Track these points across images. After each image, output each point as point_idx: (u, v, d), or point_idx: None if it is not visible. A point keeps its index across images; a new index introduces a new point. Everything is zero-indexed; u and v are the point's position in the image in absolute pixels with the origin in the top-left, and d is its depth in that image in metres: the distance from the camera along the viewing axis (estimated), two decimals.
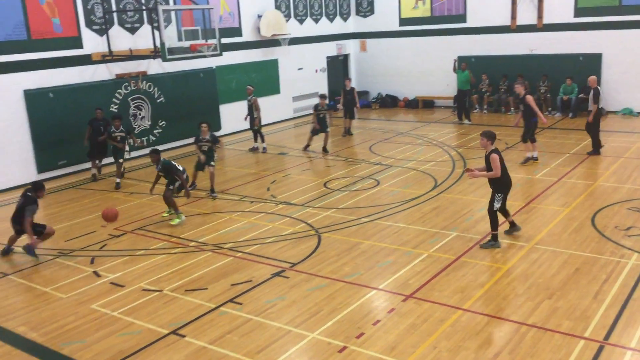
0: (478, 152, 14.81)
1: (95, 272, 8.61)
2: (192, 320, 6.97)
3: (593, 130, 13.93)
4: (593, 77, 14.04)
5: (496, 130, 17.43)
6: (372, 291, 7.54)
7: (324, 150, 15.94)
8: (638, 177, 11.91)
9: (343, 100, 17.98)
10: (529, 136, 13.44)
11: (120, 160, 13.62)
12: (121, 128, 13.70)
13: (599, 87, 13.81)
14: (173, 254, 9.17)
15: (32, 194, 9.27)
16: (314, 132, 16.13)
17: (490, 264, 8.17)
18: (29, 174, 14.15)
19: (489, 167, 8.63)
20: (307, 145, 16.35)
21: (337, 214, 10.67)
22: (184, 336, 6.62)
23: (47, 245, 9.69)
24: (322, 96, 16.32)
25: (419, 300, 7.19)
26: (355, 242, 9.24)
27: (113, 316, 7.20)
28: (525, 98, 13.22)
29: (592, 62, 19.35)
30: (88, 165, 14.57)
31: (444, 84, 22.22)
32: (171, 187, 10.73)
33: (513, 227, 9.16)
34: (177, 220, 10.49)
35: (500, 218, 8.97)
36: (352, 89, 18.16)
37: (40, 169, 14.37)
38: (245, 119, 16.93)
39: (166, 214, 10.96)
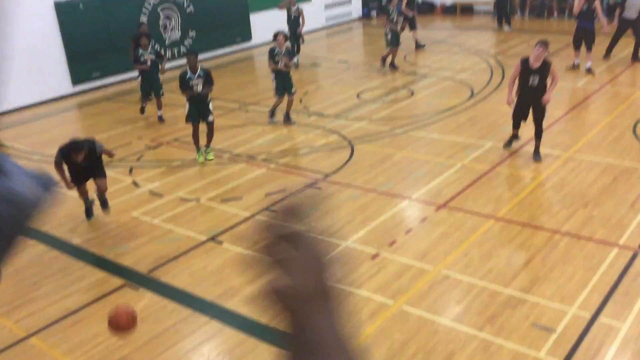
0: (517, 60, 14.25)
1: (134, 182, 8.86)
2: (229, 228, 7.18)
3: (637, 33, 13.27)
4: None
5: (538, 36, 16.72)
6: (404, 201, 7.59)
7: (392, 65, 14.23)
8: None
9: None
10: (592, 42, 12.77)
11: (162, 92, 11.61)
12: (150, 49, 11.50)
13: None
14: (208, 166, 9.32)
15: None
16: (394, 44, 14.05)
17: (526, 173, 8.08)
18: (64, 86, 14.34)
19: (542, 80, 8.00)
20: (392, 64, 14.28)
21: (371, 125, 10.59)
22: (221, 243, 6.85)
23: None
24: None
25: (452, 209, 7.22)
26: (389, 153, 9.20)
27: (153, 224, 7.46)
28: (594, 2, 12.45)
29: None
30: (122, 76, 14.60)
31: None
32: (211, 119, 9.20)
33: (517, 139, 8.84)
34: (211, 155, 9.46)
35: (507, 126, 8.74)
36: None
37: (75, 81, 14.50)
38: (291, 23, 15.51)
39: (210, 155, 9.49)
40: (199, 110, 9.20)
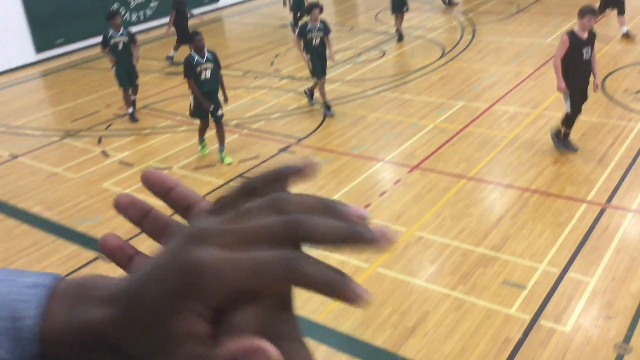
0: (488, 17, 14.24)
1: (103, 152, 8.71)
2: (203, 196, 7.11)
3: None
4: None
5: None
6: (378, 163, 7.61)
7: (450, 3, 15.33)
8: None
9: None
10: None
11: (137, 83, 9.76)
12: (122, 30, 9.43)
13: None
14: (179, 133, 9.19)
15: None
16: None
17: (497, 132, 8.14)
18: (27, 54, 13.89)
19: (591, 51, 7.01)
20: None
21: (343, 86, 10.51)
22: None
23: (53, 126, 9.73)
24: None
25: (425, 170, 7.27)
26: (361, 115, 9.17)
27: None
28: None
29: None
30: (87, 42, 14.18)
31: None
32: (220, 113, 7.77)
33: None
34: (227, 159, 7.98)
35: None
36: None
37: (38, 48, 14.06)
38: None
39: (227, 158, 7.96)
40: (210, 101, 7.68)
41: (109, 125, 9.72)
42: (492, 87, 9.72)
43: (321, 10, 8.88)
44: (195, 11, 17.40)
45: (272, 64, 12.28)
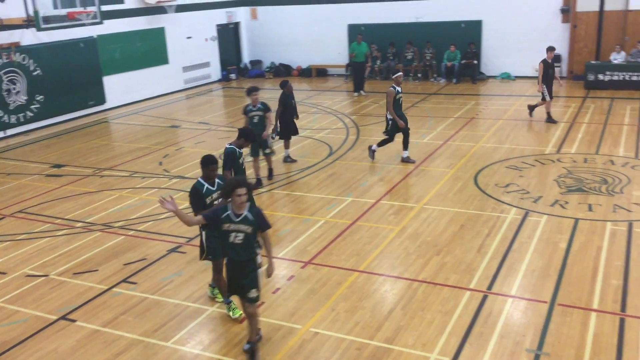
0: (371, 119, 15.16)
1: None
2: (82, 304, 6.65)
3: None
4: None
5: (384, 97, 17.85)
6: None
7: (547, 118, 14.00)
8: (516, 137, 12.74)
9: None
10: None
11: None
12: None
13: None
14: (58, 237, 8.66)
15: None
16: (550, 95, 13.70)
17: (384, 225, 8.44)
18: None
19: None
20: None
21: None
22: (74, 321, 6.31)
23: None
24: (551, 48, 13.72)
25: (318, 265, 7.31)
26: None
27: None
28: None
29: (473, 29, 20.26)
30: None
31: (336, 52, 22.38)
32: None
33: None
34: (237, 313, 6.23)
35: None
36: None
37: None
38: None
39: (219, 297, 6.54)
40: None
41: None
42: (377, 183, 10.19)
43: (250, 188, 5.54)
44: (80, 113, 17.08)
45: (160, 163, 12.13)
